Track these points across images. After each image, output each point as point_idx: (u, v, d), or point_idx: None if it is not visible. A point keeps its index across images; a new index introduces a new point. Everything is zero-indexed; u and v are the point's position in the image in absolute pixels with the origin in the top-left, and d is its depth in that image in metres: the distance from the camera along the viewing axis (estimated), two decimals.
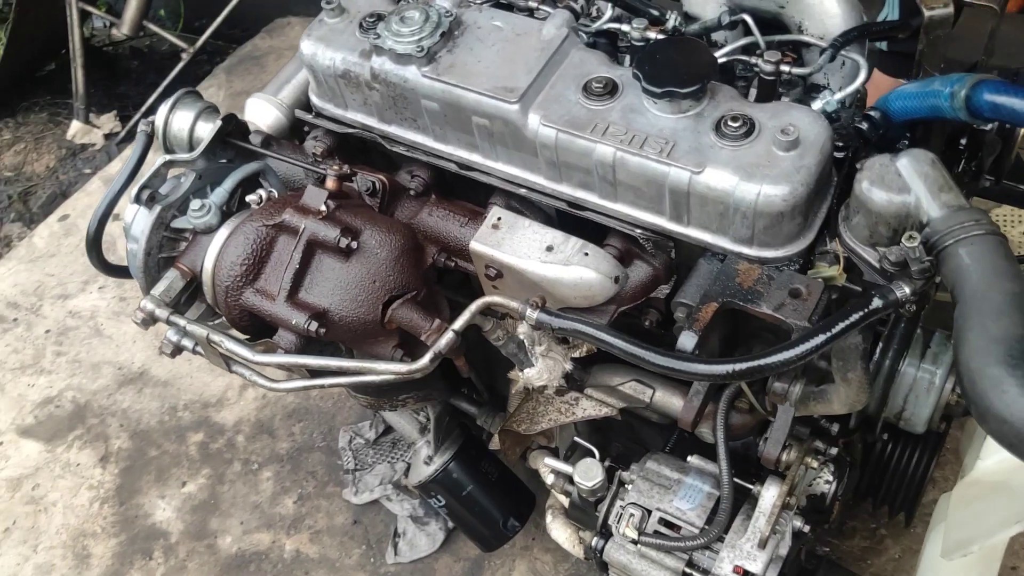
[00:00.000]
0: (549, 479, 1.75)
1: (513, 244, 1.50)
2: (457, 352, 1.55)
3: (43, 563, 2.43)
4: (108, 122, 3.96)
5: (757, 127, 1.36)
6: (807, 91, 1.58)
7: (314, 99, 1.72)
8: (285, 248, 1.47)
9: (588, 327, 1.36)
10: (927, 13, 1.34)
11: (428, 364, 1.44)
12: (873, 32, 1.51)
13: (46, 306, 3.05)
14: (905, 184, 1.25)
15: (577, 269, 1.46)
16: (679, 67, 1.40)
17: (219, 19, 3.74)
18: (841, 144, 1.46)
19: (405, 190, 1.64)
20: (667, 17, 1.63)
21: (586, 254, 1.47)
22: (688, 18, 1.67)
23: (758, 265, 1.38)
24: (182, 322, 1.48)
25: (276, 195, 1.59)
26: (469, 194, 1.65)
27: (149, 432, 2.66)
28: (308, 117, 1.72)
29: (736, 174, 1.33)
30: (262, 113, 1.79)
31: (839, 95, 1.48)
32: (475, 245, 1.52)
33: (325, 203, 1.46)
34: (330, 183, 1.49)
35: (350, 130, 1.67)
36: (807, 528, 1.57)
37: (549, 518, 1.91)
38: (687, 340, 1.32)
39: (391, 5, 1.66)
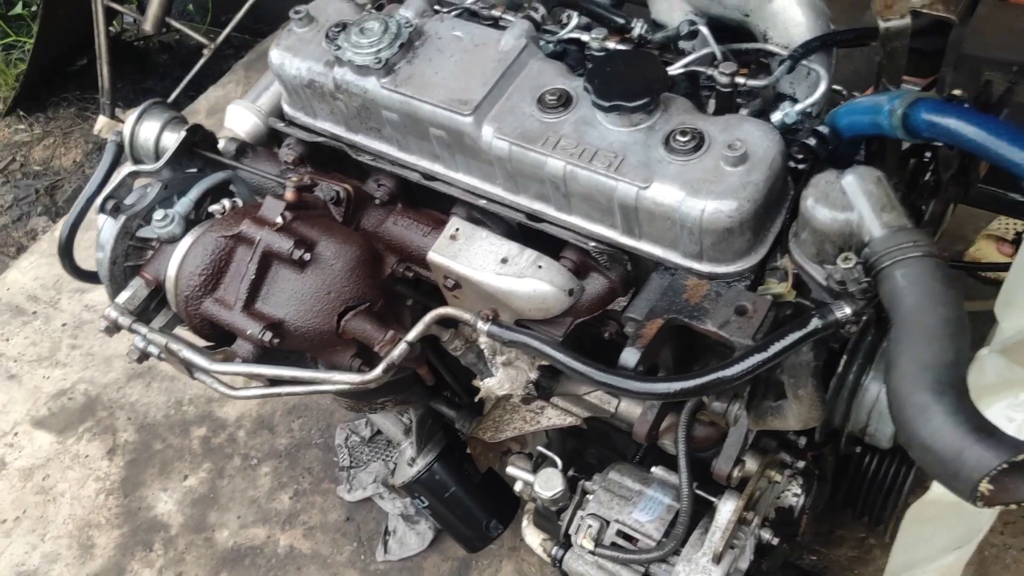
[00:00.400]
0: (518, 486, 1.75)
1: (469, 256, 1.50)
2: (417, 361, 1.57)
3: (50, 552, 2.51)
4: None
5: (707, 141, 1.35)
6: (776, 100, 1.56)
7: (286, 107, 1.74)
8: (243, 259, 1.49)
9: (535, 340, 1.36)
10: (883, 24, 1.30)
11: (381, 375, 1.45)
12: (837, 41, 1.48)
13: (64, 300, 3.13)
14: (849, 202, 1.23)
15: (531, 282, 1.46)
16: (629, 80, 1.38)
17: (239, 15, 3.78)
18: (800, 156, 1.44)
19: (371, 198, 1.65)
20: (633, 25, 1.61)
21: (540, 267, 1.46)
22: (656, 26, 1.65)
23: (706, 281, 1.37)
24: (144, 330, 1.51)
25: (241, 204, 1.61)
26: (438, 203, 1.66)
27: (155, 425, 2.72)
28: (280, 125, 1.74)
29: (683, 189, 1.32)
30: (241, 120, 1.81)
31: (799, 106, 1.45)
32: (432, 256, 1.52)
33: (281, 215, 1.47)
34: (288, 194, 1.50)
35: (319, 139, 1.69)
36: (776, 540, 1.56)
37: (525, 522, 1.91)
38: (629, 357, 1.31)
39: (360, 13, 1.66)
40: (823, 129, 1.36)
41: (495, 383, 1.58)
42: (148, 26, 3.92)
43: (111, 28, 4.35)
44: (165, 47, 4.54)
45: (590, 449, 1.89)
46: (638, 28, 1.61)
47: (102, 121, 3.98)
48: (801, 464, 1.62)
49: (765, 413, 1.47)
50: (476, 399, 1.64)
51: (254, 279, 1.46)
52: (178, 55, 4.45)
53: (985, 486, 0.98)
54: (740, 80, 1.44)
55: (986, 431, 0.99)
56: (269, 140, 1.83)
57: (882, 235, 1.18)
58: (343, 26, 1.58)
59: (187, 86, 3.90)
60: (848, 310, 1.21)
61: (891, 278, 1.14)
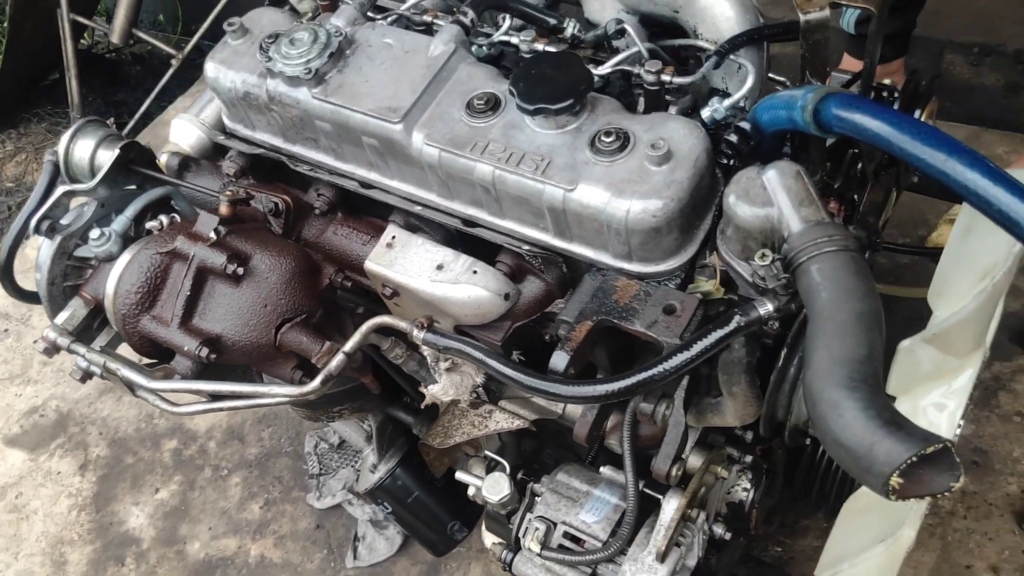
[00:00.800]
0: (471, 491, 1.75)
1: (405, 264, 1.50)
2: (360, 370, 1.56)
3: (23, 570, 2.51)
4: None
5: (632, 141, 1.34)
6: (709, 96, 1.55)
7: (225, 120, 1.73)
8: (178, 275, 1.48)
9: (467, 347, 1.36)
10: (803, 17, 1.30)
11: (319, 387, 1.45)
12: (765, 35, 1.47)
13: (35, 317, 3.12)
14: (769, 198, 1.23)
15: (466, 287, 1.46)
16: (554, 82, 1.38)
17: (205, 25, 3.77)
18: (730, 153, 1.43)
19: (311, 208, 1.65)
20: (565, 25, 1.60)
21: (475, 272, 1.46)
22: (590, 25, 1.64)
23: (636, 281, 1.37)
24: (82, 350, 1.52)
25: (180, 220, 1.61)
26: (378, 210, 1.65)
27: (126, 439, 2.73)
28: (220, 138, 1.73)
29: (608, 191, 1.32)
30: (185, 134, 1.81)
31: (728, 101, 1.45)
32: (369, 264, 1.52)
33: (215, 229, 1.47)
34: (223, 208, 1.50)
35: (259, 151, 1.68)
36: (728, 535, 1.56)
37: (484, 525, 1.91)
38: (559, 360, 1.31)
39: (294, 22, 1.66)
40: (745, 125, 1.36)
41: (439, 389, 1.58)
42: (115, 38, 3.93)
43: (82, 41, 4.35)
44: (137, 58, 4.54)
45: (547, 450, 1.89)
46: (570, 28, 1.60)
47: None
48: (749, 459, 1.62)
49: (705, 410, 1.47)
50: (422, 406, 1.64)
51: (189, 295, 1.46)
52: (150, 66, 4.45)
53: (896, 479, 0.97)
54: (666, 78, 1.43)
55: (896, 425, 0.99)
56: (215, 153, 1.83)
57: (800, 230, 1.18)
58: (276, 37, 1.58)
59: (157, 96, 3.91)
60: (770, 306, 1.21)
61: (807, 273, 1.15)
